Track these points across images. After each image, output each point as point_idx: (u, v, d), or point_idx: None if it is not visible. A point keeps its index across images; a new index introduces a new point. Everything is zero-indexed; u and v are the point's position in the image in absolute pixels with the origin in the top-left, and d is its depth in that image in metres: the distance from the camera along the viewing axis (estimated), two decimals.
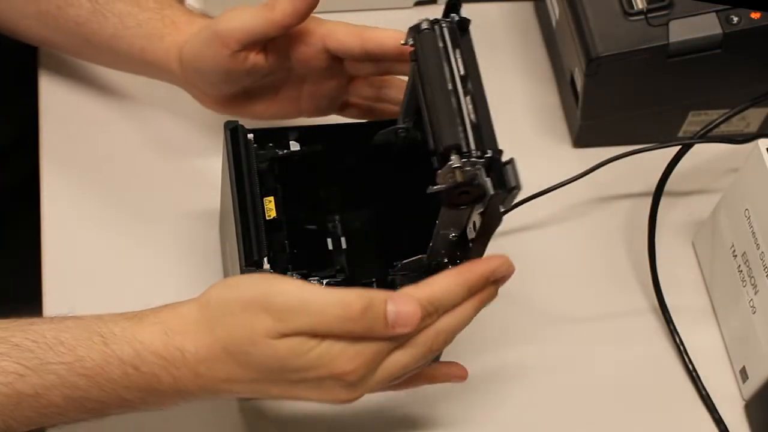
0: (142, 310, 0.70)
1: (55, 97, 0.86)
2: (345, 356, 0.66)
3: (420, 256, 0.74)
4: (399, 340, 0.68)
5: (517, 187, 0.65)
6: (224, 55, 0.78)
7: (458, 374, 0.76)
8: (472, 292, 0.70)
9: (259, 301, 0.65)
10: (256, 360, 0.66)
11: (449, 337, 0.70)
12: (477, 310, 0.71)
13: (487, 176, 0.66)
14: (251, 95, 0.83)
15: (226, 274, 0.83)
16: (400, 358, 0.68)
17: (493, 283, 0.71)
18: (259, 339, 0.65)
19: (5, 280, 0.97)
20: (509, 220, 0.88)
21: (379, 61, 0.79)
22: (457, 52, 0.70)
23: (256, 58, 0.79)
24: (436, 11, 0.76)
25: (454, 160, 0.66)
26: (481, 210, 0.68)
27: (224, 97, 0.82)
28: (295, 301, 0.65)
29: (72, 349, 0.67)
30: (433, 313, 0.68)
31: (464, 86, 0.69)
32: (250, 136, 0.77)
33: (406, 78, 0.75)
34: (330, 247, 0.81)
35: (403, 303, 0.66)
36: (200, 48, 0.79)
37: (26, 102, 0.94)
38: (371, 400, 0.82)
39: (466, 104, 0.69)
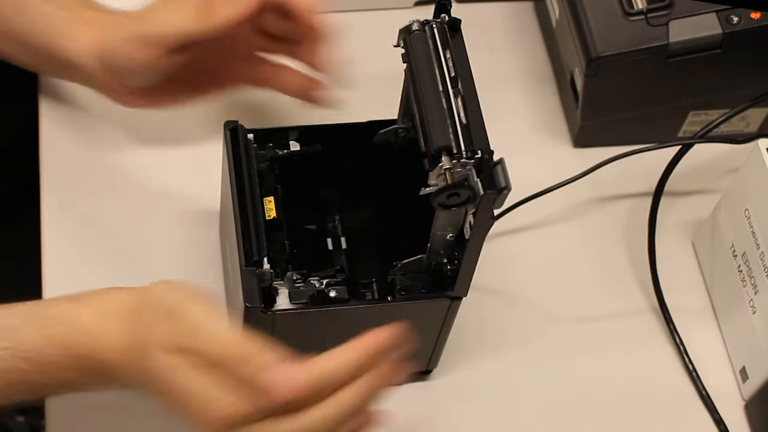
0: (86, 291, 0.70)
1: (55, 98, 0.85)
2: (224, 400, 0.65)
3: (419, 256, 0.74)
4: (283, 409, 0.66)
5: (507, 188, 0.65)
6: (156, 56, 0.79)
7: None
8: (365, 367, 0.67)
9: (175, 311, 0.66)
10: (149, 365, 0.66)
11: (341, 415, 0.67)
12: (373, 387, 0.67)
13: (478, 177, 0.67)
14: (172, 83, 0.83)
15: (226, 274, 0.83)
16: (282, 428, 0.66)
17: (392, 358, 0.67)
18: (157, 345, 0.66)
19: (5, 280, 0.97)
20: (509, 220, 0.88)
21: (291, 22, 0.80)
22: (448, 52, 0.70)
23: (188, 55, 0.80)
24: None
25: (445, 162, 0.67)
26: (474, 210, 0.68)
27: (143, 89, 0.83)
28: (202, 324, 0.66)
29: (14, 332, 0.68)
30: (322, 389, 0.66)
31: (454, 87, 0.69)
32: (250, 136, 0.77)
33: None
34: (330, 247, 0.81)
35: (285, 371, 0.65)
36: (128, 48, 0.79)
37: (26, 102, 0.94)
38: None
39: (457, 105, 0.69)
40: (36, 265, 0.85)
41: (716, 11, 0.88)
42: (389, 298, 0.74)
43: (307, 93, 0.83)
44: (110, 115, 0.92)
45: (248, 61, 0.84)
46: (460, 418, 0.83)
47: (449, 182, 0.66)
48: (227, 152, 0.76)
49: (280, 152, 0.79)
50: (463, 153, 0.67)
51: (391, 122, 0.78)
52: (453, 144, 0.67)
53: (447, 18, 0.71)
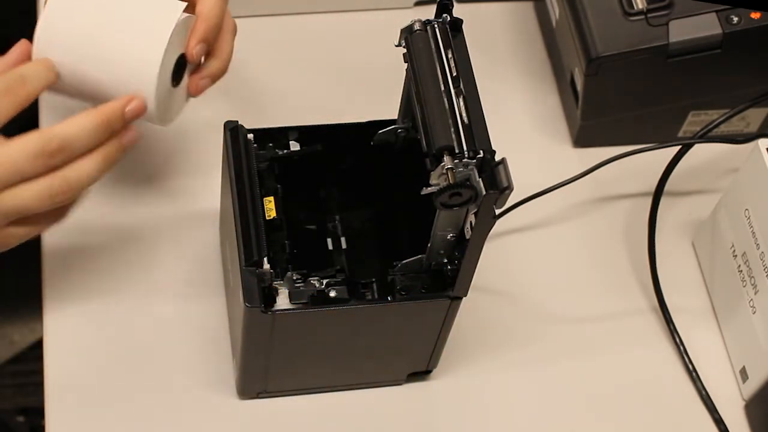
0: None
1: (55, 98, 0.85)
2: None
3: (419, 256, 0.74)
4: (22, 175, 0.71)
5: (509, 188, 0.65)
6: None
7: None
8: (105, 132, 0.73)
9: None
10: None
11: (75, 184, 0.73)
12: (107, 160, 0.74)
13: (480, 177, 0.67)
14: None
15: (226, 274, 0.83)
16: (20, 192, 0.71)
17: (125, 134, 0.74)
18: None
19: (5, 280, 0.97)
20: (510, 220, 0.88)
21: None
22: (449, 52, 0.70)
23: None
24: None
25: (447, 162, 0.67)
26: (476, 210, 0.68)
27: None
28: None
29: None
30: (60, 150, 0.71)
31: (456, 87, 0.69)
32: (250, 136, 0.77)
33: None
34: (330, 247, 0.81)
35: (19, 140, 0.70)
36: None
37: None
38: (372, 399, 0.82)
39: (458, 105, 0.69)
40: (36, 265, 0.85)
41: (716, 11, 0.88)
42: (389, 298, 0.74)
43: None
44: None
45: None
46: (460, 418, 0.83)
47: (451, 182, 0.66)
48: (227, 152, 0.76)
49: (280, 152, 0.79)
50: (465, 153, 0.67)
51: (391, 122, 0.78)
52: (455, 144, 0.67)
53: (449, 18, 0.71)
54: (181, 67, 0.78)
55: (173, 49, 0.76)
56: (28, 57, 0.76)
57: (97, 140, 0.73)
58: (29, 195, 0.72)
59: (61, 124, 0.72)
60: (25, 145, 0.71)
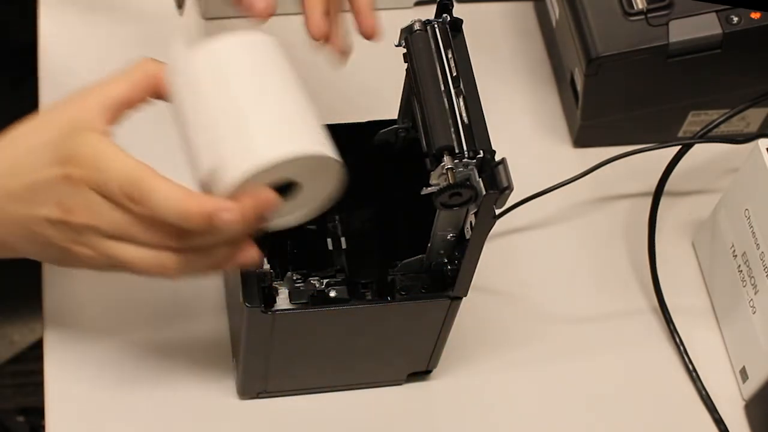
0: None
1: (55, 98, 0.85)
2: (79, 200, 0.65)
3: (419, 256, 0.74)
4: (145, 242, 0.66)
5: (509, 188, 0.65)
6: None
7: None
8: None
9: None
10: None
11: (186, 270, 0.67)
12: (218, 266, 0.68)
13: (480, 177, 0.67)
14: None
15: (226, 274, 0.83)
16: (130, 251, 0.67)
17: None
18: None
19: (5, 280, 0.97)
20: (510, 220, 0.88)
21: None
22: (450, 52, 0.70)
23: None
24: None
25: (447, 162, 0.67)
26: (476, 210, 0.68)
27: None
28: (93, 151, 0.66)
29: None
30: (189, 240, 0.66)
31: (456, 87, 0.69)
32: None
33: None
34: (330, 247, 0.81)
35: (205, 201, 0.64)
36: None
37: (26, 102, 0.94)
38: (372, 399, 0.82)
39: (458, 105, 0.69)
40: (36, 265, 0.85)
41: (716, 11, 0.88)
42: (389, 298, 0.74)
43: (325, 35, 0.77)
44: None
45: None
46: (460, 418, 0.83)
47: (451, 182, 0.66)
48: None
49: None
50: (465, 153, 0.67)
51: (391, 122, 0.78)
52: (455, 144, 0.67)
53: (449, 18, 0.71)
54: (288, 190, 0.67)
55: (281, 172, 0.65)
56: (155, 78, 0.69)
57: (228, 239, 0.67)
58: (139, 258, 0.67)
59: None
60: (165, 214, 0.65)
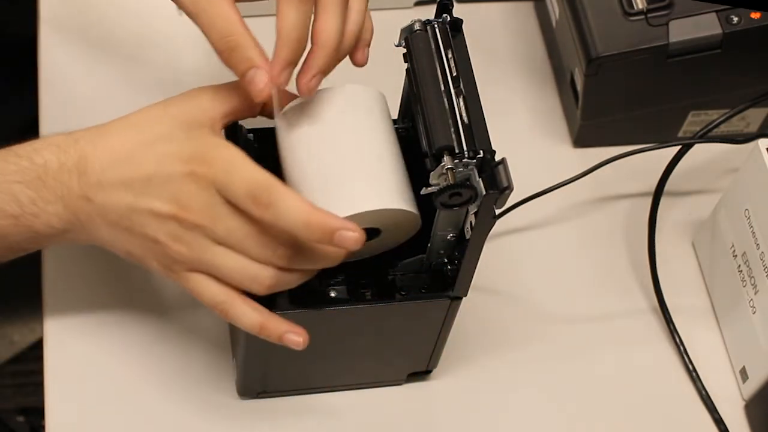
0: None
1: (55, 98, 0.86)
2: (200, 199, 0.66)
3: (419, 256, 0.74)
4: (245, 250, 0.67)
5: (509, 188, 0.65)
6: None
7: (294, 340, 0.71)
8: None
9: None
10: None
11: (282, 284, 0.69)
12: (303, 276, 0.70)
13: (480, 177, 0.67)
14: None
15: None
16: (232, 258, 0.67)
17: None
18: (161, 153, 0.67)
19: (5, 280, 0.97)
20: (510, 220, 0.88)
21: None
22: (450, 52, 0.70)
23: None
24: None
25: (447, 162, 0.67)
26: (476, 210, 0.68)
27: None
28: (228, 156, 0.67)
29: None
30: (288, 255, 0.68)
31: (456, 87, 0.69)
32: (250, 135, 0.77)
33: None
34: None
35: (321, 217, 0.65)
36: None
37: (26, 102, 0.94)
38: (372, 399, 0.82)
39: (458, 105, 0.69)
40: (36, 265, 0.85)
41: (716, 11, 0.88)
42: (389, 298, 0.74)
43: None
44: (110, 115, 0.92)
45: None
46: (460, 418, 0.83)
47: (451, 182, 0.66)
48: None
49: None
50: (465, 153, 0.67)
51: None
52: (455, 144, 0.67)
53: (449, 18, 0.71)
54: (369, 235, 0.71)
55: (372, 219, 0.70)
56: (263, 89, 0.69)
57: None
58: (239, 268, 0.68)
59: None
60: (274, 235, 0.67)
